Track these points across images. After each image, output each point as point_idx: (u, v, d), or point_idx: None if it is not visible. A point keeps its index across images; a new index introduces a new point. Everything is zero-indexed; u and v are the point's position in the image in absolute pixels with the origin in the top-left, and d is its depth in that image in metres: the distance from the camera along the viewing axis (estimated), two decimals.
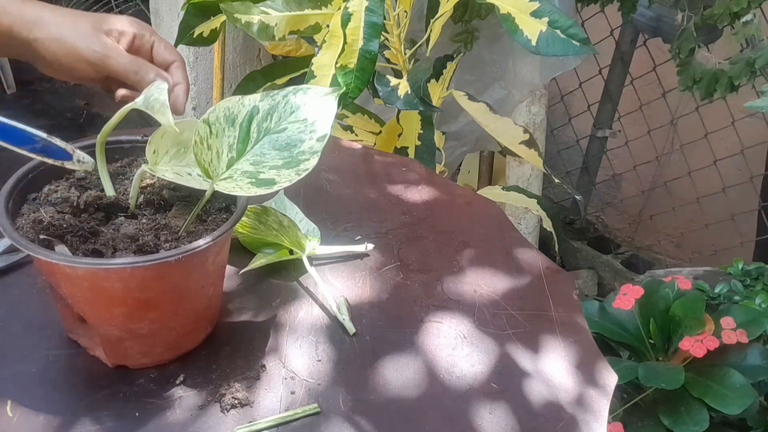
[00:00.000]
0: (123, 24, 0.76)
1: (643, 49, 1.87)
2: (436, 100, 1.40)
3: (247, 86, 1.46)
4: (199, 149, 0.64)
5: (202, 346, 0.72)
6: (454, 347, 0.74)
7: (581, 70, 1.94)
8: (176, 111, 0.71)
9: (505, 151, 1.39)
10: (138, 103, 0.67)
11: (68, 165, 0.65)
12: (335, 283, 0.81)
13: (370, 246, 0.86)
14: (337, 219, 0.91)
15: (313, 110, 0.67)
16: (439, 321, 0.77)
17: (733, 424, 1.24)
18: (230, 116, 0.66)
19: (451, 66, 1.43)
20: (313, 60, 1.16)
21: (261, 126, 0.66)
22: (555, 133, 2.22)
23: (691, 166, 1.96)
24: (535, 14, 1.14)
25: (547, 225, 1.40)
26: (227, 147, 0.66)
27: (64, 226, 0.66)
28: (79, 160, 0.63)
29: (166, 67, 0.77)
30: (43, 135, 0.63)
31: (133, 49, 0.76)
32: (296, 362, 0.71)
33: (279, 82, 1.45)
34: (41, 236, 0.65)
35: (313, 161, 0.65)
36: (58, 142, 0.63)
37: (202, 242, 0.63)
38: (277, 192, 0.86)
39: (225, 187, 0.64)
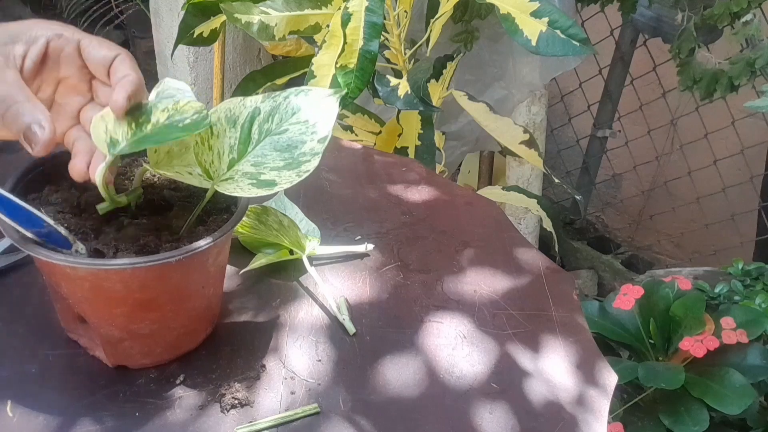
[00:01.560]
0: (36, 30, 0.64)
1: (643, 49, 1.87)
2: (436, 100, 1.40)
3: (247, 86, 1.46)
4: (200, 150, 0.65)
5: (202, 346, 0.72)
6: (454, 347, 0.74)
7: (581, 70, 1.94)
8: (114, 105, 0.62)
9: (505, 151, 1.39)
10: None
11: (65, 251, 0.65)
12: (335, 283, 0.81)
13: (370, 246, 0.86)
14: (337, 219, 0.91)
15: (314, 112, 0.67)
16: (439, 321, 0.77)
17: (733, 424, 1.25)
18: (231, 117, 0.66)
19: (451, 66, 1.44)
20: (313, 60, 1.16)
21: (262, 127, 0.66)
22: (555, 133, 2.22)
23: (691, 166, 1.96)
24: (535, 14, 1.14)
25: (547, 225, 1.40)
26: (228, 148, 0.66)
27: (65, 226, 0.66)
28: (77, 251, 0.64)
29: (107, 65, 0.65)
30: (51, 221, 0.62)
31: (48, 52, 0.65)
32: (296, 362, 0.71)
33: (279, 82, 1.45)
34: None
35: (314, 163, 0.65)
36: (62, 230, 0.63)
37: (202, 243, 0.63)
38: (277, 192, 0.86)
39: (226, 188, 0.64)
